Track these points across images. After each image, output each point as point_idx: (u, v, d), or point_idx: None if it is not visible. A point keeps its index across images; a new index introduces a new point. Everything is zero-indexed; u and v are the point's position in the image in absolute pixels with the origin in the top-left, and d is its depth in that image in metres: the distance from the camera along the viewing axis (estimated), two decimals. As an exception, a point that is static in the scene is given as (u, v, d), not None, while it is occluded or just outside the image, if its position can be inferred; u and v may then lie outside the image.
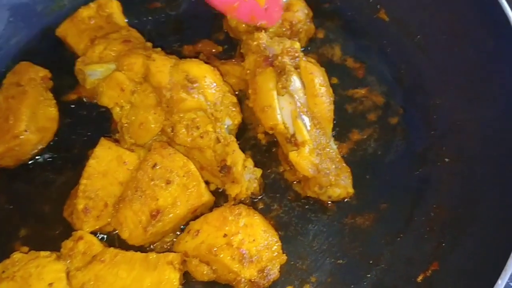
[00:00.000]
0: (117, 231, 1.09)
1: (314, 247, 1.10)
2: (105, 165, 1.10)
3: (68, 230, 1.11)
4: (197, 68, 1.11)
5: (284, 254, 1.05)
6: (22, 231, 1.14)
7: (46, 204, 1.17)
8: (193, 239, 1.03)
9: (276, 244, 1.05)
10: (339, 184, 1.09)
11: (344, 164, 1.13)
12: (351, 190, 1.11)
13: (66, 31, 1.31)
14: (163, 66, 1.09)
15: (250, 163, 1.09)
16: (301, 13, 1.28)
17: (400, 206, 1.13)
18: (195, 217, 1.08)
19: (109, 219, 1.08)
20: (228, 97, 1.14)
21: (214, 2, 1.24)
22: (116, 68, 1.15)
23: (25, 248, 1.11)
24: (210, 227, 1.04)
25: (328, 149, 1.12)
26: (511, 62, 1.08)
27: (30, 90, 1.17)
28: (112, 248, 1.04)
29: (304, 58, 1.16)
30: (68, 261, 1.02)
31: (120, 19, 1.35)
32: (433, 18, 1.24)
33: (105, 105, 1.16)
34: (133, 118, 1.13)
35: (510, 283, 1.12)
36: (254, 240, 1.02)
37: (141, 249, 1.08)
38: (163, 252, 1.05)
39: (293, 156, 1.07)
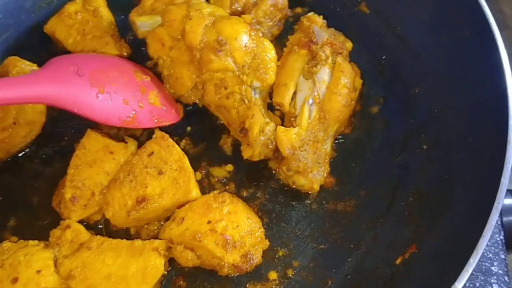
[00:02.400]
0: (102, 222, 1.12)
1: (297, 233, 1.13)
2: (92, 155, 1.13)
3: (56, 220, 1.13)
4: (231, 28, 1.12)
5: (267, 240, 1.08)
6: (11, 221, 1.17)
7: (35, 195, 1.20)
8: (178, 226, 1.06)
9: (259, 231, 1.07)
10: (307, 176, 1.11)
11: (327, 166, 1.16)
12: (316, 187, 1.13)
13: (54, 27, 1.34)
14: (196, 26, 1.13)
15: (270, 128, 1.11)
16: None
17: (380, 192, 1.16)
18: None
19: (96, 208, 1.11)
20: (260, 59, 1.14)
21: (112, 123, 1.17)
22: (161, 22, 1.20)
23: (14, 238, 1.13)
24: (194, 214, 1.07)
25: (320, 145, 1.15)
26: (486, 52, 1.10)
27: (18, 84, 1.19)
28: (99, 236, 1.07)
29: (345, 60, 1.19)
30: (56, 249, 1.04)
31: (106, 12, 1.37)
32: (412, 10, 1.26)
33: (151, 56, 1.23)
34: (172, 71, 1.20)
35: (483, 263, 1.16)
36: (237, 226, 1.04)
37: (127, 236, 1.11)
38: (148, 239, 1.07)
39: (279, 130, 1.10)
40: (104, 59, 1.25)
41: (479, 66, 1.12)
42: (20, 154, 1.24)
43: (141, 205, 1.06)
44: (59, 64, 1.15)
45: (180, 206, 1.10)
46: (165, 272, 1.05)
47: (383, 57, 1.32)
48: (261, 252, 1.06)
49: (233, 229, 1.04)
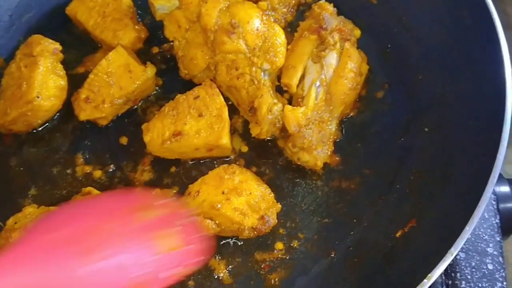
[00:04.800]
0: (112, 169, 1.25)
1: (303, 207, 1.19)
2: (113, 68, 1.26)
3: (75, 189, 1.20)
4: (244, 12, 1.19)
5: (278, 203, 1.15)
6: (32, 190, 1.23)
7: (55, 166, 1.26)
8: (195, 199, 1.13)
9: (270, 195, 1.15)
10: (311, 153, 1.18)
11: (331, 145, 1.22)
12: (319, 164, 1.19)
13: (76, 9, 1.39)
14: (212, 9, 1.19)
15: (277, 108, 1.19)
16: None
17: (383, 171, 1.22)
18: (209, 157, 1.24)
19: (103, 114, 1.25)
20: (271, 42, 1.20)
21: None
22: (178, 5, 1.28)
23: (35, 205, 1.19)
24: (208, 187, 1.13)
25: (325, 125, 1.21)
26: (487, 40, 1.15)
27: (42, 60, 1.25)
28: None
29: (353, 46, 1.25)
30: None
31: (126, -6, 1.43)
32: (417, 1, 1.32)
33: (167, 38, 1.30)
34: (187, 52, 1.27)
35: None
36: (250, 193, 1.12)
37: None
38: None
39: (287, 108, 1.18)
40: (91, 209, 0.94)
41: (480, 54, 1.17)
42: (41, 128, 1.31)
43: (176, 138, 1.18)
44: (34, 237, 0.85)
45: (210, 149, 1.20)
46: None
47: (389, 45, 1.37)
48: (275, 214, 1.13)
49: (247, 196, 1.11)
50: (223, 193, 1.11)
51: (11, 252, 0.81)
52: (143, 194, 1.06)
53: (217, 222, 1.11)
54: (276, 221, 1.13)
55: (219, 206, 1.09)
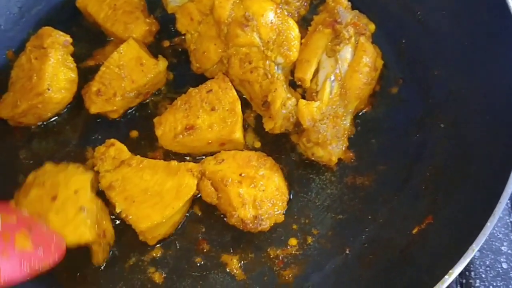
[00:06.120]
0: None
1: (317, 203, 1.18)
2: (125, 61, 1.25)
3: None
4: (258, 5, 1.18)
5: (283, 216, 1.13)
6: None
7: (64, 159, 1.23)
8: (216, 164, 1.14)
9: (281, 206, 1.12)
10: (326, 148, 1.16)
11: (346, 141, 1.20)
12: (334, 159, 1.17)
13: (86, 1, 1.38)
14: (225, 2, 1.18)
15: (291, 103, 1.17)
16: None
17: (398, 167, 1.20)
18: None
19: (114, 107, 1.24)
20: (284, 36, 1.19)
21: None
22: None
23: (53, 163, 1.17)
24: (234, 161, 1.14)
25: (339, 120, 1.19)
26: (503, 35, 1.14)
27: (52, 52, 1.24)
28: (138, 156, 1.17)
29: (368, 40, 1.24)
30: (99, 164, 1.14)
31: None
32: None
33: (179, 31, 1.28)
34: (199, 45, 1.26)
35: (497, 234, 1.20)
36: (263, 190, 1.10)
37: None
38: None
39: (301, 103, 1.16)
40: None
41: (495, 49, 1.16)
42: (51, 120, 1.29)
43: (189, 132, 1.17)
44: None
45: (222, 144, 1.18)
46: (197, 192, 1.12)
47: (403, 41, 1.36)
48: (272, 223, 1.10)
49: (258, 191, 1.10)
50: (240, 174, 1.11)
51: None
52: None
53: (219, 195, 1.11)
54: (268, 228, 1.10)
55: (228, 181, 1.09)
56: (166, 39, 1.40)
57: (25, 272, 0.96)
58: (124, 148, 1.18)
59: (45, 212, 1.05)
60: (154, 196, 1.09)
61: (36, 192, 1.08)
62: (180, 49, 1.38)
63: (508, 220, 1.29)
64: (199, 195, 1.16)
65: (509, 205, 1.31)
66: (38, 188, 1.08)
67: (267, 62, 1.19)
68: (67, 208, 1.06)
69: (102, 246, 1.10)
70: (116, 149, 1.17)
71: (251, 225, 1.07)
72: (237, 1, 1.19)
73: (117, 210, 1.10)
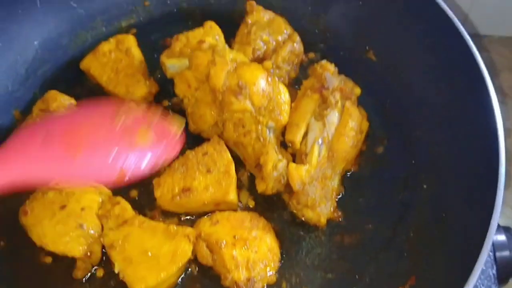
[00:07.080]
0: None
1: (307, 262, 1.23)
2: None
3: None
4: (250, 74, 1.26)
5: (275, 277, 1.18)
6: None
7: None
8: (211, 226, 1.20)
9: (273, 267, 1.18)
10: (315, 210, 1.23)
11: (334, 201, 1.27)
12: (323, 220, 1.24)
13: (89, 64, 1.47)
14: (220, 71, 1.26)
15: (282, 165, 1.24)
16: (298, 45, 1.46)
17: (383, 227, 1.26)
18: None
19: None
20: (275, 101, 1.27)
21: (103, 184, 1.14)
22: (188, 65, 1.35)
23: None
24: (227, 223, 1.20)
25: (328, 181, 1.26)
26: (479, 101, 1.21)
27: (57, 117, 1.32)
28: (141, 216, 1.23)
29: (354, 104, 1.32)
30: (104, 222, 1.19)
31: (137, 52, 1.50)
32: (414, 61, 1.40)
33: (177, 95, 1.37)
34: (196, 110, 1.34)
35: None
36: (256, 252, 1.16)
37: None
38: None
39: (291, 166, 1.24)
40: (76, 115, 1.18)
41: (473, 112, 1.23)
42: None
43: (185, 194, 1.23)
44: (21, 140, 1.04)
45: (217, 204, 1.25)
46: (192, 257, 1.18)
47: (388, 101, 1.44)
48: (265, 285, 1.16)
49: (251, 252, 1.16)
50: (234, 236, 1.17)
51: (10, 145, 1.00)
52: (120, 101, 1.21)
53: (214, 257, 1.17)
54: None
55: (223, 244, 1.15)
56: (165, 99, 1.48)
57: (148, 167, 1.08)
58: (129, 206, 1.24)
59: (50, 216, 1.14)
60: (152, 259, 1.14)
61: (52, 196, 1.18)
62: (178, 109, 1.46)
63: (491, 273, 1.33)
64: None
65: (492, 257, 1.36)
66: (55, 192, 1.17)
67: (259, 126, 1.27)
68: (69, 220, 1.15)
69: (85, 264, 1.18)
70: (121, 207, 1.23)
71: (244, 287, 1.13)
72: (231, 70, 1.28)
73: (116, 270, 1.15)
